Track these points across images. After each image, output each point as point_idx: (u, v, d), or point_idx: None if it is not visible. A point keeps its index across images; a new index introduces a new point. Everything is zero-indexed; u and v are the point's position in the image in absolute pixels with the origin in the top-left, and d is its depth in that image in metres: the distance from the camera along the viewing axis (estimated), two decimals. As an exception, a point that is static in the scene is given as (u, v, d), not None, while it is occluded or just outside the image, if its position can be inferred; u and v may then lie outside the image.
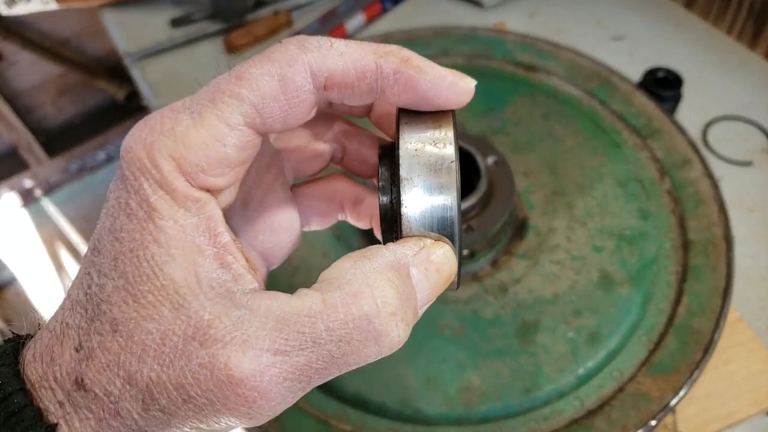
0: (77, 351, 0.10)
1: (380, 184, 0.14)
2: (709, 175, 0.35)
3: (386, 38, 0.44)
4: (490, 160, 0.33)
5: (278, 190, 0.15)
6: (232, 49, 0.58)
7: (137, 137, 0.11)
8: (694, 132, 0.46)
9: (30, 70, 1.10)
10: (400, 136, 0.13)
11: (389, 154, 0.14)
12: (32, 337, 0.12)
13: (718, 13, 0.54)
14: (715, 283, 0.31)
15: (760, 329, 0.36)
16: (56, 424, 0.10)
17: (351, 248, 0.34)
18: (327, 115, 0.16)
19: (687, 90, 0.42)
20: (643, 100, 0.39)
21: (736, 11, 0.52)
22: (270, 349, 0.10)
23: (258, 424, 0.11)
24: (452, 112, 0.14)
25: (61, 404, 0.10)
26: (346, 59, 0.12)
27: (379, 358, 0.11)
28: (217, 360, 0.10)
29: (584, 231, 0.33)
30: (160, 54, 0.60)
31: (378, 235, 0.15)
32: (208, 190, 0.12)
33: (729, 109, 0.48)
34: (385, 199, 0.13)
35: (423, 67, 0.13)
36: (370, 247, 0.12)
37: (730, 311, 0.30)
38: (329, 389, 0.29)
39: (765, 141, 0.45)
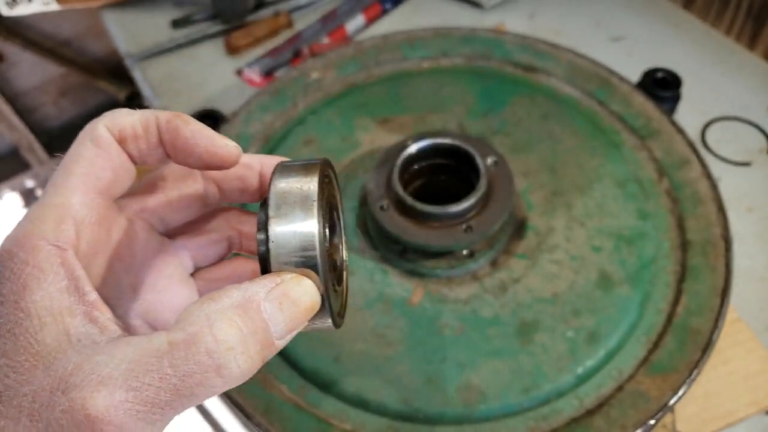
0: None
1: (258, 219, 0.15)
2: (708, 175, 0.35)
3: (386, 39, 0.44)
4: (490, 160, 0.33)
5: (173, 275, 0.17)
6: (232, 50, 0.59)
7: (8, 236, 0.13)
8: (693, 132, 0.46)
9: (31, 71, 1.10)
10: (271, 182, 0.15)
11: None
12: None
13: (717, 14, 0.55)
14: (713, 283, 0.31)
15: (759, 329, 0.36)
16: None
17: (351, 249, 0.34)
18: (221, 209, 0.18)
19: (686, 90, 0.42)
20: (641, 101, 0.39)
21: (734, 12, 0.53)
22: (122, 386, 0.11)
23: None
24: (322, 162, 0.15)
25: None
26: (133, 116, 0.15)
27: (229, 387, 0.12)
28: (75, 402, 0.11)
29: (583, 231, 0.34)
30: (161, 55, 0.60)
31: None
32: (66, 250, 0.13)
33: (728, 109, 0.48)
34: (261, 246, 0.14)
35: (188, 120, 0.15)
36: (225, 287, 0.13)
37: (728, 311, 0.30)
38: (330, 389, 0.29)
39: (764, 141, 0.46)
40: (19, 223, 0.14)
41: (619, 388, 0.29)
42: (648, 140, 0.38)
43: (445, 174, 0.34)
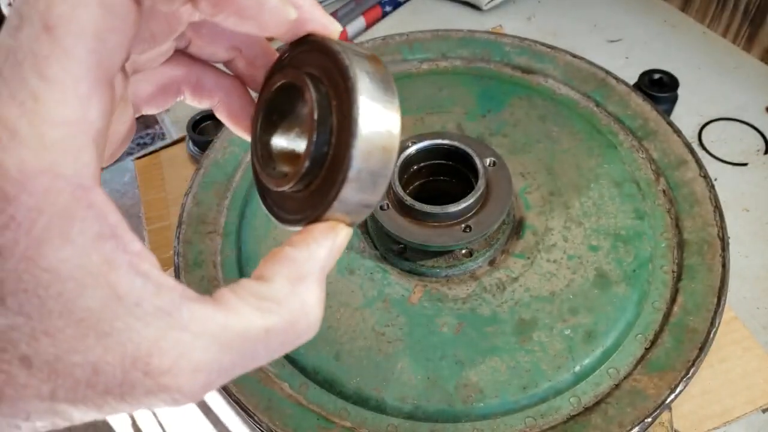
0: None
1: (315, 113, 0.11)
2: (705, 175, 0.35)
3: (385, 41, 0.45)
4: (488, 161, 0.33)
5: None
6: (233, 51, 0.59)
7: None
8: (690, 133, 0.46)
9: (33, 73, 1.11)
10: (344, 58, 0.10)
11: (322, 72, 0.11)
12: None
13: (714, 16, 0.55)
14: (710, 282, 0.31)
15: (756, 328, 0.36)
16: None
17: (351, 248, 0.34)
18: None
19: (683, 92, 0.43)
20: (638, 102, 0.40)
21: (731, 14, 0.53)
22: (215, 370, 0.11)
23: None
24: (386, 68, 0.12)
25: None
26: None
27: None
28: (169, 386, 0.10)
29: (581, 231, 0.34)
30: (163, 57, 0.60)
31: (234, 129, 0.15)
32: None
33: (724, 110, 0.48)
34: (322, 137, 0.11)
35: None
36: (297, 255, 0.12)
37: (725, 310, 0.30)
38: (330, 386, 0.30)
39: (760, 142, 0.46)
40: (6, 146, 0.09)
41: (617, 386, 0.29)
42: (645, 141, 0.38)
43: (445, 174, 0.35)
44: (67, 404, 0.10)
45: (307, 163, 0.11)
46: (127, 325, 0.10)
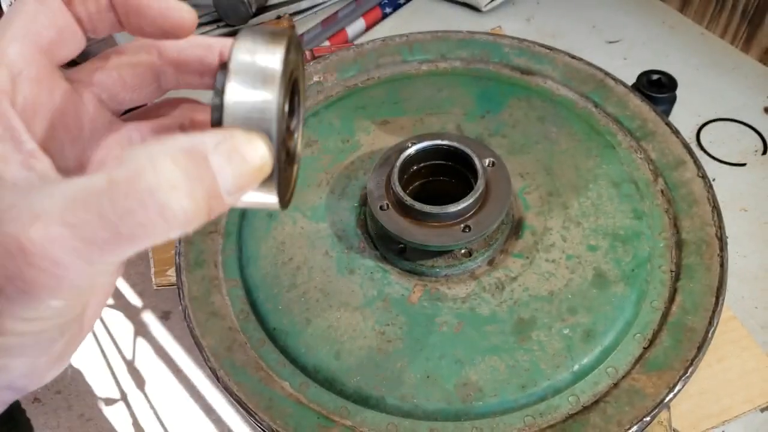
0: None
1: (215, 87, 0.14)
2: (703, 175, 0.35)
3: (385, 42, 0.45)
4: (487, 161, 0.33)
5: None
6: (234, 53, 0.59)
7: None
8: (688, 134, 0.47)
9: (35, 74, 1.11)
10: (234, 44, 0.14)
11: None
12: None
13: (712, 17, 0.55)
14: (708, 282, 0.32)
15: (754, 327, 0.36)
16: None
17: (351, 248, 0.34)
18: (176, 99, 0.17)
19: (681, 92, 0.43)
20: (637, 103, 0.40)
21: (729, 15, 0.53)
22: (58, 221, 0.11)
23: (67, 300, 0.11)
24: (290, 34, 0.14)
25: None
26: None
27: (173, 234, 0.11)
28: (8, 236, 0.10)
29: (579, 230, 0.34)
30: (164, 58, 0.60)
31: None
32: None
33: (723, 111, 0.48)
34: (215, 98, 0.14)
35: None
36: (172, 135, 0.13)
37: (723, 309, 0.31)
38: (330, 385, 0.30)
39: (758, 142, 0.46)
40: None
41: (615, 386, 0.29)
42: (643, 141, 0.38)
43: (444, 174, 0.35)
44: None
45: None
46: (0, 196, 0.11)
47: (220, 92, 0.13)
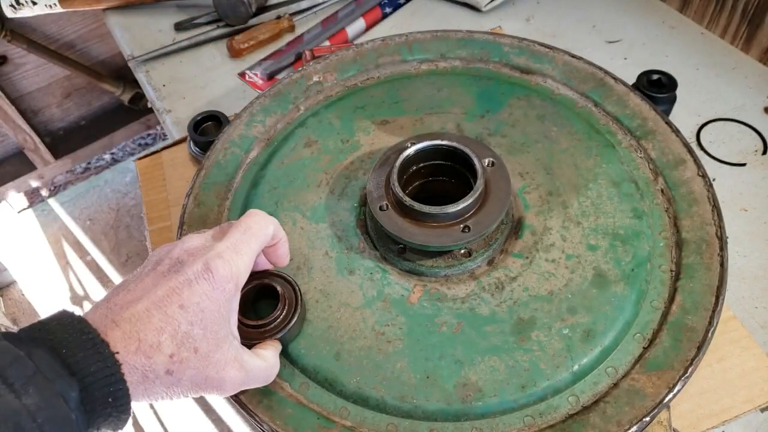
0: (170, 358, 0.23)
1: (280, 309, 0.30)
2: (703, 174, 0.35)
3: (385, 42, 0.45)
4: (487, 161, 0.33)
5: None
6: (235, 53, 0.59)
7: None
8: (688, 134, 0.47)
9: (36, 73, 1.11)
10: (294, 283, 0.31)
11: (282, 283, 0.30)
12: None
13: (712, 17, 0.55)
14: (708, 282, 0.31)
15: (754, 327, 0.36)
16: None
17: (351, 248, 0.34)
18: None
19: (681, 92, 0.43)
20: (637, 102, 0.40)
21: (729, 15, 0.53)
22: (242, 378, 0.25)
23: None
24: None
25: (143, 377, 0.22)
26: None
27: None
28: (224, 379, 0.25)
29: (579, 230, 0.34)
30: (165, 57, 0.61)
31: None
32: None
33: (723, 110, 0.48)
34: (278, 312, 0.29)
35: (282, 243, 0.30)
36: (271, 347, 0.29)
37: (723, 309, 0.31)
38: (331, 386, 0.30)
39: (758, 142, 0.46)
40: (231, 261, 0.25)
41: (615, 386, 0.29)
42: (643, 140, 0.38)
43: (444, 174, 0.35)
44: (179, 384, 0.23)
45: (281, 312, 0.30)
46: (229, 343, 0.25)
47: (282, 311, 0.30)
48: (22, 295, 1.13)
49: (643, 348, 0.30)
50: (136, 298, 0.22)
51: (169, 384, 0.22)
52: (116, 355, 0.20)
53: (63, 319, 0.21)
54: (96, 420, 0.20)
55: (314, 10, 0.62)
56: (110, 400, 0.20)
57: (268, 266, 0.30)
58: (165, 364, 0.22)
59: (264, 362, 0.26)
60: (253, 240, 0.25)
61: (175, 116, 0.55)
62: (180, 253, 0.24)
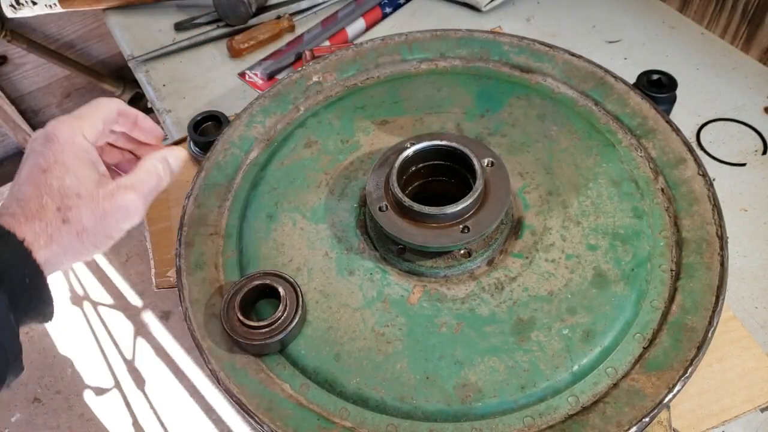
0: (58, 211, 0.25)
1: (282, 310, 0.30)
2: (703, 173, 0.35)
3: (385, 42, 0.45)
4: (486, 161, 0.33)
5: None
6: (235, 53, 0.59)
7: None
8: (688, 134, 0.47)
9: (36, 72, 1.11)
10: (293, 282, 0.32)
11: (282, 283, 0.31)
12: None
13: (712, 17, 0.55)
14: (708, 281, 0.31)
15: (754, 327, 0.36)
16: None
17: (351, 249, 0.34)
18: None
19: (681, 92, 0.43)
20: (637, 100, 0.40)
21: (729, 15, 0.53)
22: (136, 192, 0.28)
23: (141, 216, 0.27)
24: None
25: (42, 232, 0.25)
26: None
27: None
28: (116, 202, 0.27)
29: (579, 230, 0.34)
30: (164, 57, 0.61)
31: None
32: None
33: (723, 110, 0.48)
34: (280, 313, 0.30)
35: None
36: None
37: (723, 309, 0.30)
38: (331, 387, 0.30)
39: (758, 142, 0.46)
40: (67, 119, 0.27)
41: (615, 386, 0.29)
42: (644, 139, 0.38)
43: (444, 175, 0.35)
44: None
45: (281, 314, 0.30)
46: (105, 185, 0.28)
47: (283, 312, 0.31)
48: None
49: (643, 348, 0.30)
50: (11, 191, 0.26)
51: (76, 232, 0.25)
52: (13, 234, 0.23)
53: None
54: (21, 312, 0.23)
55: (314, 10, 0.62)
56: (27, 279, 0.23)
57: (142, 144, 0.31)
58: (58, 215, 0.25)
59: (146, 174, 0.28)
60: (93, 110, 0.28)
61: (175, 116, 0.55)
62: (31, 142, 0.28)
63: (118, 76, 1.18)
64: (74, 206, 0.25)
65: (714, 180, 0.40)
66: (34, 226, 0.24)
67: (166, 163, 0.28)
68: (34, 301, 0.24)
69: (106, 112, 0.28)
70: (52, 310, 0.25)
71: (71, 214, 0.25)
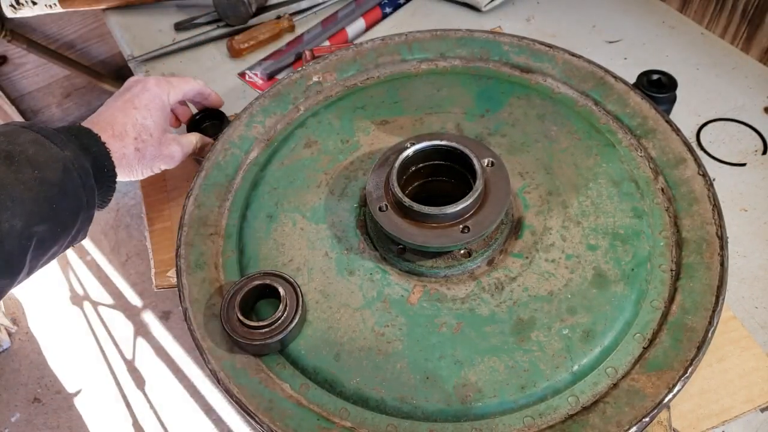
0: (135, 140, 0.36)
1: (282, 310, 0.30)
2: (703, 173, 0.35)
3: (385, 42, 0.45)
4: (486, 161, 0.33)
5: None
6: (235, 53, 0.59)
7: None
8: (688, 134, 0.47)
9: (36, 72, 1.11)
10: (293, 282, 0.32)
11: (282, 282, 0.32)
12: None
13: (712, 17, 0.55)
14: (708, 281, 0.31)
15: (754, 327, 0.36)
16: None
17: (351, 249, 0.34)
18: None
19: (681, 92, 0.43)
20: (637, 100, 0.40)
21: (729, 15, 0.53)
22: (180, 150, 0.40)
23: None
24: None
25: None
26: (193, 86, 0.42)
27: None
28: (169, 152, 0.39)
29: (579, 230, 0.34)
30: (164, 57, 0.61)
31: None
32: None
33: (723, 111, 0.48)
34: (280, 313, 0.30)
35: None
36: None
37: (723, 309, 0.30)
38: (331, 387, 0.30)
39: (758, 142, 0.46)
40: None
41: (615, 386, 0.29)
42: (644, 139, 0.38)
43: (444, 175, 0.35)
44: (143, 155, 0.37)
45: (281, 314, 0.30)
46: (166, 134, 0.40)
47: (283, 310, 0.31)
48: (22, 295, 1.13)
49: (643, 348, 0.30)
50: (106, 110, 0.36)
51: (139, 158, 0.35)
52: (104, 142, 0.33)
53: (71, 127, 0.33)
54: (96, 184, 0.32)
55: (314, 10, 0.62)
56: (105, 171, 0.32)
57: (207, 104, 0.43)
58: (133, 143, 0.35)
59: (191, 140, 0.40)
60: (181, 81, 0.39)
61: (174, 116, 0.55)
62: (130, 84, 0.38)
63: (118, 76, 1.18)
64: (146, 140, 0.35)
65: (714, 180, 0.40)
66: (116, 142, 0.34)
67: (199, 139, 0.41)
68: (105, 188, 0.33)
69: (189, 89, 0.40)
70: (110, 199, 0.34)
71: (141, 146, 0.35)
